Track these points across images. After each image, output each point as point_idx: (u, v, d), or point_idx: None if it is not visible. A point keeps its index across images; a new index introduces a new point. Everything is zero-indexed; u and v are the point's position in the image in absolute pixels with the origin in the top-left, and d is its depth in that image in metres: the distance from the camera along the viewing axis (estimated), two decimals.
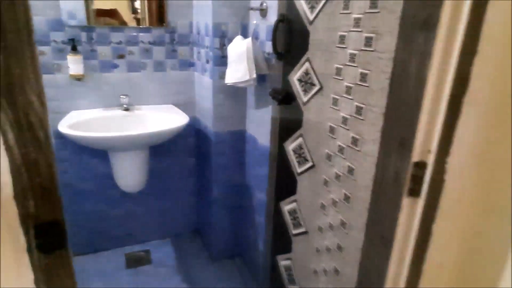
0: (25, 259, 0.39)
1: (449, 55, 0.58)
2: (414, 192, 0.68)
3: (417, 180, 0.67)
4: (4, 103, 0.33)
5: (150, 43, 1.71)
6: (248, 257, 1.83)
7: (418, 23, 0.61)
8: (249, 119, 1.68)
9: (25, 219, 0.37)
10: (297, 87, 1.07)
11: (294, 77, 1.07)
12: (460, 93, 0.60)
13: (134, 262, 1.92)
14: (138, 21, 1.68)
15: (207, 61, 1.64)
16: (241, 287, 1.77)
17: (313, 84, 0.98)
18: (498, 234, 0.61)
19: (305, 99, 1.03)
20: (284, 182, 1.18)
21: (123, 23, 1.65)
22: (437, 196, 0.67)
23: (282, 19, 1.11)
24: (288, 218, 1.19)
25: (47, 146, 0.35)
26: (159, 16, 1.70)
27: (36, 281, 0.40)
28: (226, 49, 1.51)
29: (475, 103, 0.60)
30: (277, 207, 1.25)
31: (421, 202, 0.68)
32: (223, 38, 1.55)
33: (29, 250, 0.39)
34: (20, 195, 0.36)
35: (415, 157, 0.65)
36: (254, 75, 1.36)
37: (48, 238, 0.39)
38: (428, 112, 0.62)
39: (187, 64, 1.82)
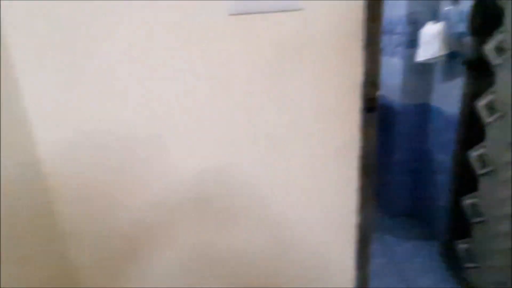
0: (358, 115, 0.91)
1: None
2: None
3: None
4: (368, 62, 0.84)
5: None
6: (425, 214, 2.10)
7: None
8: (435, 92, 1.96)
9: (363, 95, 0.89)
10: (492, 54, 1.34)
11: (489, 47, 1.35)
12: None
13: None
14: None
15: (398, 45, 2.02)
16: (415, 234, 2.07)
17: (506, 50, 1.24)
18: None
19: (498, 62, 1.30)
20: (472, 134, 1.46)
21: None
22: None
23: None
24: (475, 161, 1.46)
25: (377, 72, 0.86)
26: None
27: (361, 127, 0.92)
28: (416, 33, 1.85)
29: None
30: (463, 156, 1.53)
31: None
32: (415, 25, 1.90)
33: (361, 111, 0.91)
34: (363, 86, 0.88)
35: None
36: (446, 52, 1.67)
37: (370, 105, 0.90)
38: None
39: None
